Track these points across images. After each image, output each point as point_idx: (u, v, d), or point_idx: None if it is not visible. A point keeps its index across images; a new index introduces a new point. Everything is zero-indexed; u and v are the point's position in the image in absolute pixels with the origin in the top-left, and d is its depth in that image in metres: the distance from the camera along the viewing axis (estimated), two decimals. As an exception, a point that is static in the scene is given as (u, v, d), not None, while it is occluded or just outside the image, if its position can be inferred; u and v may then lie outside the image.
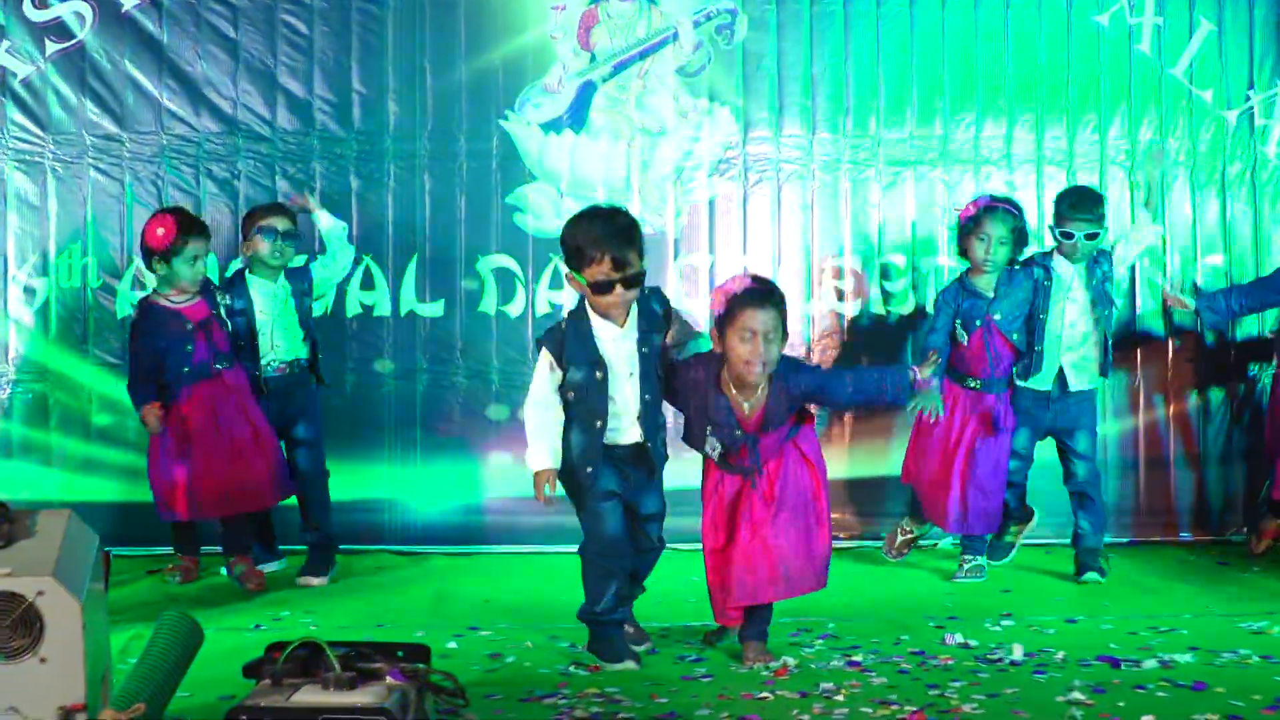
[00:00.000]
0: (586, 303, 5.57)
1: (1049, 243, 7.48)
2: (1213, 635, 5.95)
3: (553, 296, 8.10)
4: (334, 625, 6.24)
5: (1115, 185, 8.19)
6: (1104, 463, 7.88)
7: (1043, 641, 5.86)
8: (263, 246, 7.28)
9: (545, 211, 8.15)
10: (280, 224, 7.32)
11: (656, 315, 5.65)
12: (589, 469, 5.56)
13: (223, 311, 7.19)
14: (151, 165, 8.04)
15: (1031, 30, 8.25)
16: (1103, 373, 7.41)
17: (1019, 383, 7.31)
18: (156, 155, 8.03)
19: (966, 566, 7.31)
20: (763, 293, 5.54)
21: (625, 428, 5.59)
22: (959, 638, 5.88)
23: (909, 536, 7.66)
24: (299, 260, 7.52)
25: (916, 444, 7.42)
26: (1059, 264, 7.32)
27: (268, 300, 7.33)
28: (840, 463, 7.99)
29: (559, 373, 5.57)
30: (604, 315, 5.55)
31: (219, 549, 7.31)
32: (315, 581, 7.22)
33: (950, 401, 7.24)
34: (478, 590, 7.10)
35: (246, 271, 7.37)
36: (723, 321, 5.53)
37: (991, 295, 7.22)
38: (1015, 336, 7.24)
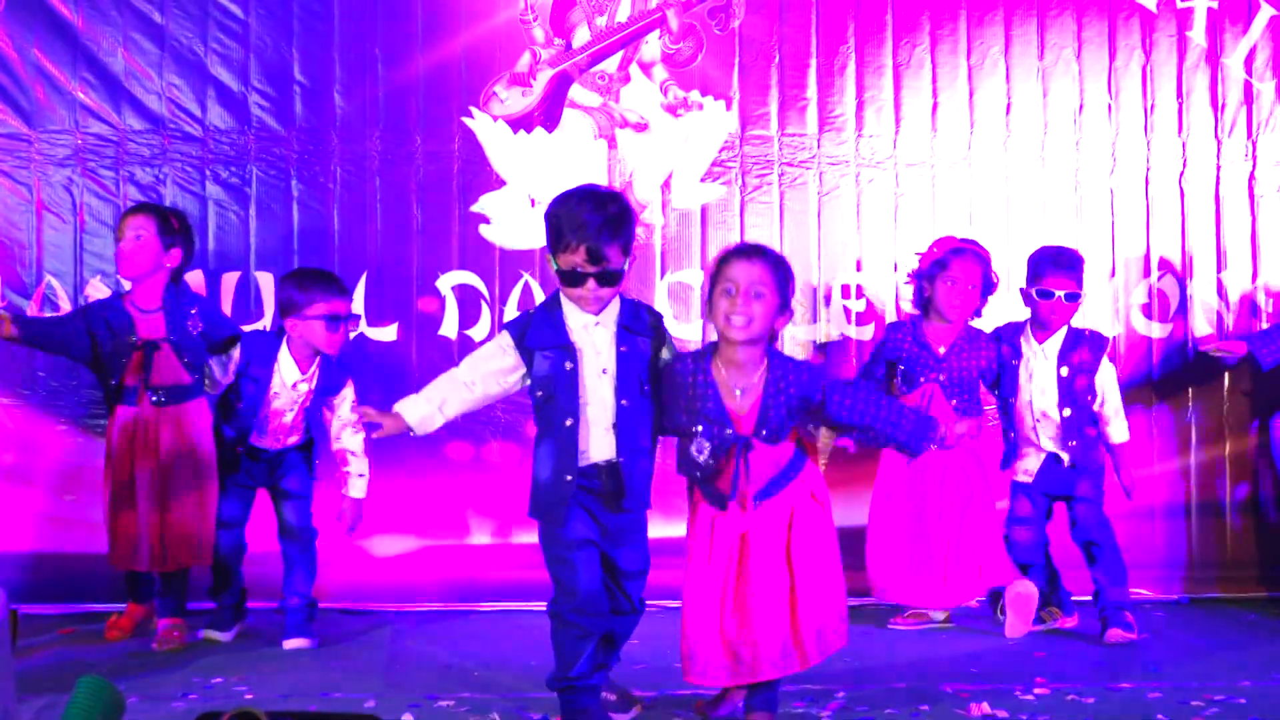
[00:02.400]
0: (561, 291, 5.61)
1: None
2: (1275, 704, 5.98)
3: (523, 318, 8.13)
4: (273, 694, 6.25)
5: (1163, 188, 8.27)
6: (1151, 510, 7.93)
7: (1082, 712, 5.89)
8: (319, 334, 7.16)
9: (513, 221, 8.19)
10: (344, 309, 7.22)
11: (644, 320, 5.66)
12: (568, 478, 5.53)
13: (188, 330, 7.19)
14: (65, 168, 8.05)
15: (1068, 13, 8.34)
16: (1106, 450, 7.46)
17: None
18: (70, 157, 8.04)
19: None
20: (750, 247, 5.63)
21: (596, 437, 5.56)
22: (986, 708, 5.91)
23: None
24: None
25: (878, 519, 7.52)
26: (1028, 345, 7.43)
27: (290, 392, 7.27)
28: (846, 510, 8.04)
29: (510, 360, 5.57)
30: (577, 304, 5.59)
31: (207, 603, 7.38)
32: (304, 644, 7.21)
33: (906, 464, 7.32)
34: (436, 654, 7.13)
35: (285, 343, 7.24)
36: (712, 283, 5.59)
37: (943, 352, 7.30)
38: (955, 404, 7.30)
